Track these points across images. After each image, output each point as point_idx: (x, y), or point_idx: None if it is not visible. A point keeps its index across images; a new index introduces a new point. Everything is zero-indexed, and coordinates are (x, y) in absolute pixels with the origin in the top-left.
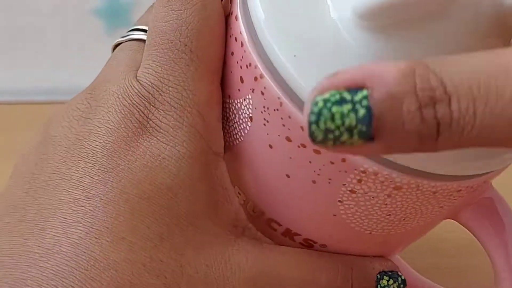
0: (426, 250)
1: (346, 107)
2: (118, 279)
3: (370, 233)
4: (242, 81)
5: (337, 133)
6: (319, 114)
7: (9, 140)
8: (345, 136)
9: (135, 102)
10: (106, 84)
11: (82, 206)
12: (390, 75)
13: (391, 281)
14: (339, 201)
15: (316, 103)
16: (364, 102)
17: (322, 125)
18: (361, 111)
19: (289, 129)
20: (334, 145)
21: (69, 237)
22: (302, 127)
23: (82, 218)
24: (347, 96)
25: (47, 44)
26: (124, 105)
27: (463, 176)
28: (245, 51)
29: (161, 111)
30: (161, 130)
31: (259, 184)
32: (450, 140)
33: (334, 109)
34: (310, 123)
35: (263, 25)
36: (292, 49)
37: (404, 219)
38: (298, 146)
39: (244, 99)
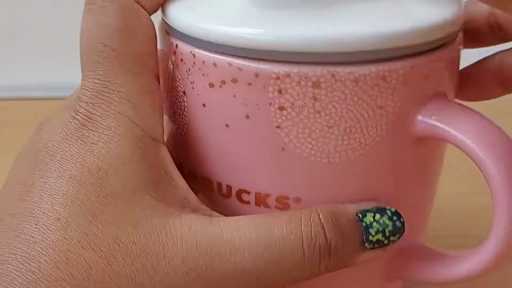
0: None
1: None
2: (55, 257)
3: (328, 161)
4: (173, 65)
5: None
6: None
7: (9, 136)
8: None
9: (71, 104)
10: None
11: (24, 200)
12: None
13: (377, 216)
14: (277, 127)
15: None
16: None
17: None
18: None
19: (208, 74)
20: None
21: (14, 229)
22: (214, 63)
23: (24, 210)
24: None
25: (46, 39)
26: (64, 108)
27: (378, 55)
28: (169, 40)
29: (90, 105)
30: (91, 121)
31: (215, 154)
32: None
33: None
34: None
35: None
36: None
37: (350, 131)
38: (220, 86)
39: (176, 81)
